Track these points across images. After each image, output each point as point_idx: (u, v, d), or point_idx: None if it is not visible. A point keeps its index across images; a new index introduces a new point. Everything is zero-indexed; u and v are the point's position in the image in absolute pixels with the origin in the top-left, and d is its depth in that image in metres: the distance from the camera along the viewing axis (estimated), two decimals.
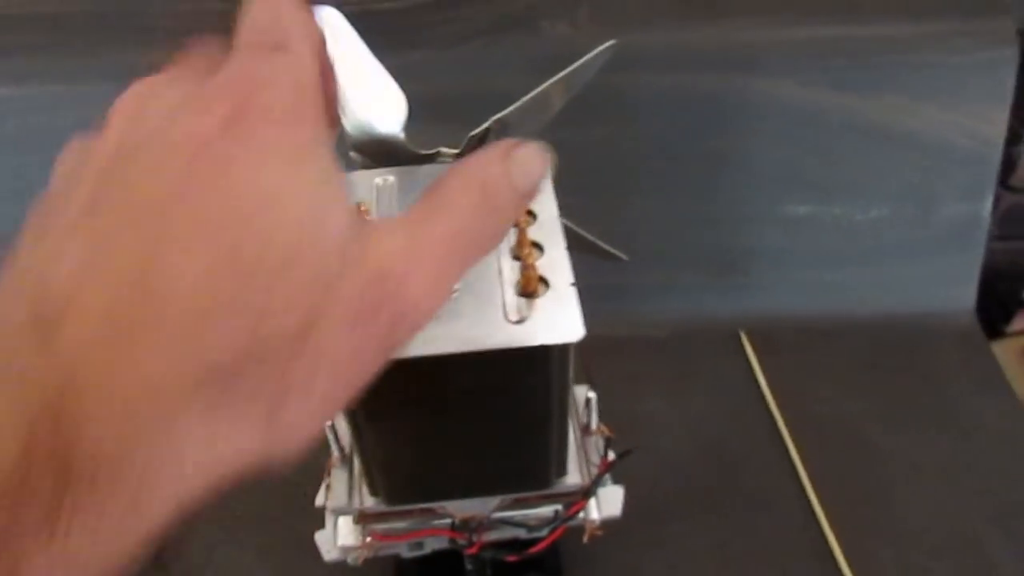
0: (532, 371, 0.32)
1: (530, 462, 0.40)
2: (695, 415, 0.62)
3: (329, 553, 0.44)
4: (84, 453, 0.17)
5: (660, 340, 0.66)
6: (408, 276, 0.21)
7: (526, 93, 0.36)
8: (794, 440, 0.60)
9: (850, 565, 0.53)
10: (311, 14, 0.24)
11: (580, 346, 0.33)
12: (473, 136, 0.33)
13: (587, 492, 0.44)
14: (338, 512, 0.43)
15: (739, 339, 0.67)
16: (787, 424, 0.61)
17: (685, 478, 0.59)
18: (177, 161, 0.19)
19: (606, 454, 0.46)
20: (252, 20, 0.22)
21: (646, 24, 0.63)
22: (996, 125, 0.62)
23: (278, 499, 0.55)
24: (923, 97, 0.62)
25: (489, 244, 0.24)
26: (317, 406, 0.20)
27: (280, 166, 0.20)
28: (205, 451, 0.18)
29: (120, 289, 0.18)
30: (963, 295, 0.67)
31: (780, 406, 0.62)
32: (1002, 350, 0.98)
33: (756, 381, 0.64)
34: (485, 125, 0.34)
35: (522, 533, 0.45)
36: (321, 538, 0.44)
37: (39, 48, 0.63)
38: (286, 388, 0.19)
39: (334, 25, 0.30)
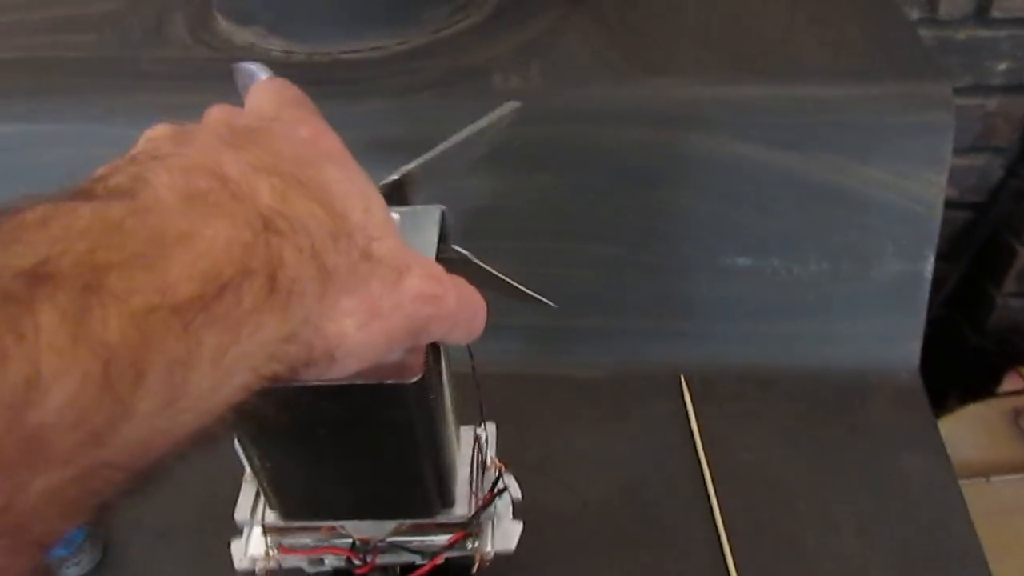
0: (390, 406, 0.35)
1: (409, 492, 0.43)
2: (622, 456, 0.64)
3: (240, 562, 0.48)
4: (285, 275, 0.23)
5: (596, 381, 0.68)
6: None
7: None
8: (716, 486, 0.62)
9: None
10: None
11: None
12: (384, 184, 0.38)
13: (467, 524, 0.46)
14: (241, 523, 0.47)
15: (678, 384, 0.68)
16: (711, 469, 0.63)
17: (602, 517, 0.60)
18: (288, 143, 0.27)
19: (493, 488, 0.48)
20: (285, 91, 0.32)
21: (591, 80, 0.66)
22: (934, 187, 0.63)
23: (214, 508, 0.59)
24: (860, 157, 0.63)
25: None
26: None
27: (354, 171, 0.28)
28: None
29: (285, 179, 0.24)
30: (906, 353, 0.68)
31: (708, 452, 0.64)
32: (991, 411, 0.96)
33: (689, 426, 0.66)
34: (393, 177, 0.39)
35: (418, 559, 0.48)
36: (235, 547, 0.48)
37: (41, 89, 0.70)
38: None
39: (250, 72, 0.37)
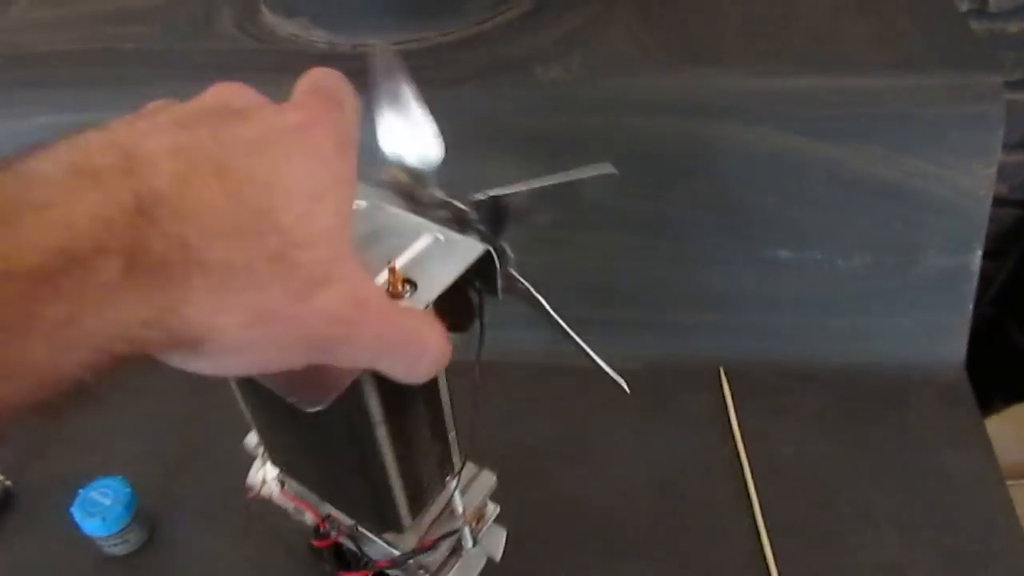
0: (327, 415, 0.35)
1: (356, 498, 0.43)
2: (659, 448, 0.64)
3: (253, 476, 0.50)
4: (147, 259, 0.22)
5: (635, 373, 0.68)
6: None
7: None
8: (756, 480, 0.61)
9: None
10: (352, 88, 0.31)
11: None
12: (473, 201, 0.38)
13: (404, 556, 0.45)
14: (248, 448, 0.49)
15: (717, 377, 0.68)
16: (751, 464, 0.62)
17: (640, 510, 0.60)
18: (257, 127, 0.26)
19: (444, 536, 0.45)
20: (319, 81, 0.30)
21: (634, 71, 0.66)
22: (981, 179, 0.62)
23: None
24: (907, 149, 0.62)
25: None
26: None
27: (323, 171, 0.27)
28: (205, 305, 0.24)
29: (201, 165, 0.24)
30: (952, 349, 0.67)
31: (748, 446, 0.63)
32: None
33: (727, 419, 0.65)
34: (479, 196, 0.38)
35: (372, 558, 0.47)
36: (256, 463, 0.50)
37: (94, 80, 0.72)
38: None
39: (390, 61, 0.37)
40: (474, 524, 0.46)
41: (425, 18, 0.71)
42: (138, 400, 0.70)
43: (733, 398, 0.66)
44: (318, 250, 0.25)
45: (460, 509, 0.44)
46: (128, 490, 0.58)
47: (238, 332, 0.24)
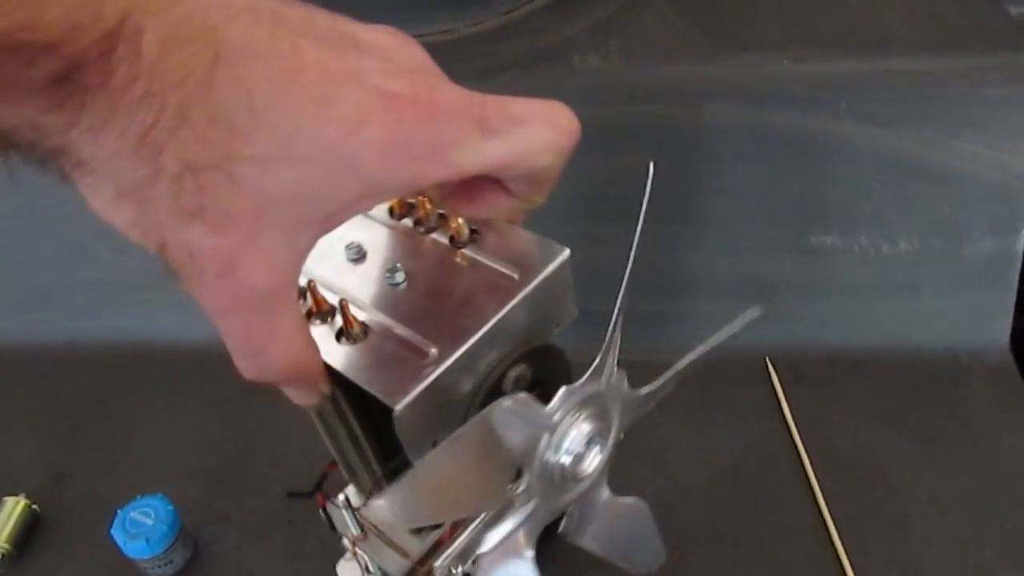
0: None
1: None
2: (717, 442, 0.63)
3: None
4: (87, 78, 0.21)
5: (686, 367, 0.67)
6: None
7: None
8: (815, 470, 0.60)
9: None
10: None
11: None
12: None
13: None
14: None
15: (765, 368, 0.67)
16: (809, 454, 0.61)
17: (704, 505, 0.59)
18: (347, 62, 0.24)
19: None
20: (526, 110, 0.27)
21: (672, 58, 0.64)
22: None
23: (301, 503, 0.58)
24: (952, 130, 0.62)
25: None
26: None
27: (349, 153, 0.24)
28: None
29: (230, 27, 0.22)
30: (996, 330, 0.67)
31: (803, 436, 0.62)
32: None
33: (780, 410, 0.64)
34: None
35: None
36: None
37: None
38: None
39: None
40: None
41: (452, 9, 0.69)
42: (168, 414, 0.66)
43: (784, 389, 0.65)
44: (244, 200, 0.23)
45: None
46: (171, 508, 0.55)
47: (109, 190, 0.23)
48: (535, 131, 0.26)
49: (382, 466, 0.37)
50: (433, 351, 0.29)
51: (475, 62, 0.65)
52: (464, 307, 0.31)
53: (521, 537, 0.35)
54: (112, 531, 0.54)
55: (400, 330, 0.31)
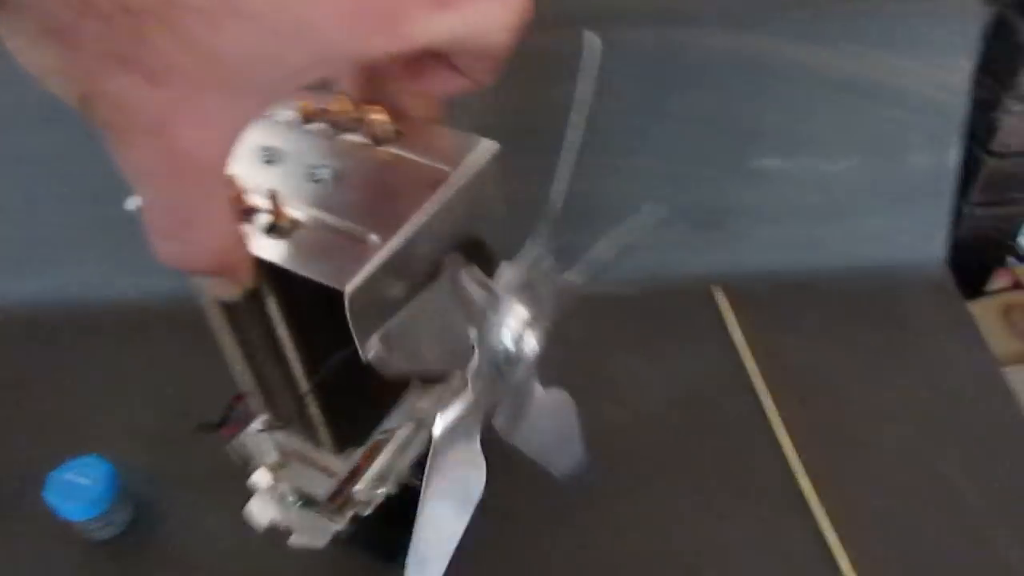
0: None
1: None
2: (669, 369, 0.63)
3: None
4: None
5: (632, 297, 0.66)
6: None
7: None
8: (769, 391, 0.61)
9: (825, 509, 0.54)
10: None
11: None
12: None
13: None
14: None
15: (712, 295, 0.67)
16: (762, 375, 0.61)
17: (661, 431, 0.59)
18: None
19: None
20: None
21: None
22: (961, 74, 0.63)
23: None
24: (887, 48, 0.62)
25: None
26: None
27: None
28: None
29: None
30: (934, 246, 0.68)
31: (755, 358, 0.63)
32: (983, 309, 0.99)
33: (729, 335, 0.64)
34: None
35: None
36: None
37: None
38: None
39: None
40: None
41: None
42: (99, 375, 0.63)
43: (734, 315, 0.66)
44: (184, 54, 0.21)
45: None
46: (108, 467, 0.52)
47: (33, 28, 0.21)
48: (487, 7, 0.26)
49: (308, 378, 0.35)
50: (373, 238, 0.28)
51: None
52: (398, 199, 0.30)
53: (469, 425, 0.35)
54: (45, 494, 0.51)
55: (333, 221, 0.29)
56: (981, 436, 0.58)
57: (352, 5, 0.22)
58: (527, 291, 0.35)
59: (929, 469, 0.56)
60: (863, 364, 0.62)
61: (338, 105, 0.33)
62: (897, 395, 0.60)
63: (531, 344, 0.35)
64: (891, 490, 0.55)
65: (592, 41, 0.35)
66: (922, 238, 0.68)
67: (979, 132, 1.20)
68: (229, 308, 0.34)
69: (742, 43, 0.62)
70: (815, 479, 0.55)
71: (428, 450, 0.35)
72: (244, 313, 0.33)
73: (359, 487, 0.40)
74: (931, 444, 0.57)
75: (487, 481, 0.53)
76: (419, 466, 0.44)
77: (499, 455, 0.51)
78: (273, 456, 0.40)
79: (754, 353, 0.63)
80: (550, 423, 0.42)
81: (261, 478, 0.43)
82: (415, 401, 0.41)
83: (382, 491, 0.41)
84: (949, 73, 0.62)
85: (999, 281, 1.06)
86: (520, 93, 0.61)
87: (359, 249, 0.28)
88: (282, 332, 0.33)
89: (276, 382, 0.37)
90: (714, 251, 0.68)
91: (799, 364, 0.62)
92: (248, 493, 0.55)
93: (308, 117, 0.33)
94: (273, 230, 0.29)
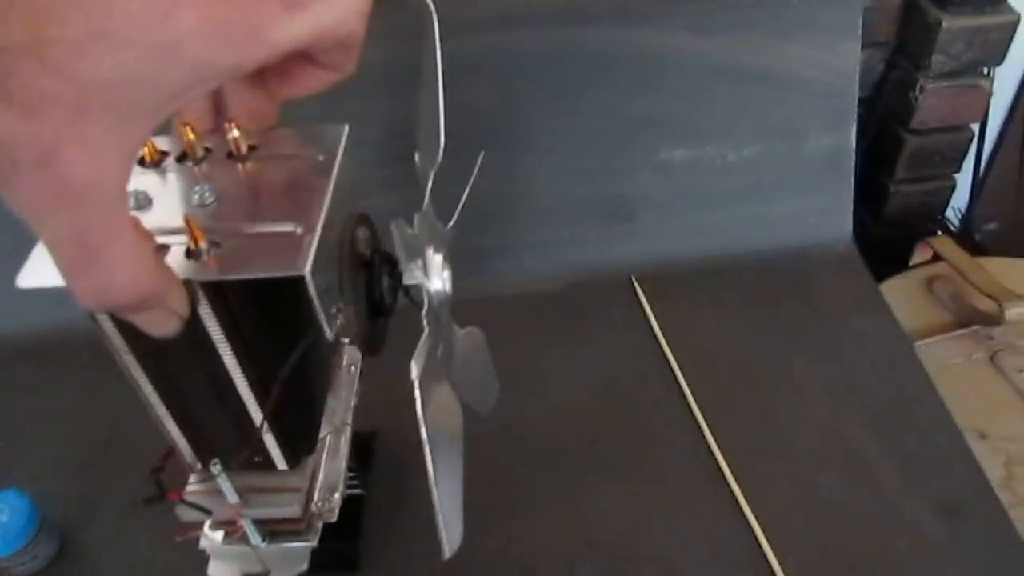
0: None
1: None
2: (589, 360, 0.64)
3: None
4: None
5: (553, 293, 0.68)
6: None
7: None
8: (685, 376, 0.62)
9: (740, 484, 0.55)
10: None
11: None
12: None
13: None
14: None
15: (631, 285, 0.69)
16: (678, 360, 0.63)
17: (584, 421, 0.60)
18: None
19: None
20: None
21: None
22: (850, 57, 0.65)
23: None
24: (778, 35, 0.64)
25: None
26: None
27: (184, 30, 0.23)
28: None
29: None
30: (839, 224, 0.70)
31: (672, 345, 0.64)
32: (907, 283, 1.02)
33: (648, 323, 0.66)
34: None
35: None
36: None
37: None
38: None
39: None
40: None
41: None
42: (13, 407, 0.62)
43: (649, 303, 0.67)
44: (59, 84, 0.21)
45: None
46: (27, 500, 0.52)
47: None
48: (334, 1, 0.27)
49: (258, 399, 0.35)
50: (295, 229, 0.29)
51: None
52: (293, 191, 0.31)
53: (437, 367, 0.36)
54: None
55: (247, 229, 0.30)
56: (890, 406, 0.60)
57: (216, 20, 0.23)
58: (434, 238, 0.37)
59: (841, 440, 0.58)
60: (776, 344, 0.64)
61: (176, 141, 0.33)
62: (808, 371, 0.62)
63: (450, 284, 0.37)
64: (803, 462, 0.57)
65: (428, 9, 0.37)
66: (828, 217, 0.70)
67: (898, 111, 1.24)
68: (148, 353, 0.33)
69: (639, 38, 0.64)
70: (728, 454, 0.57)
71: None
72: (171, 353, 0.33)
73: (325, 494, 0.41)
74: (843, 416, 0.59)
75: (403, 508, 0.54)
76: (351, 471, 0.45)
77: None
78: (234, 497, 0.39)
79: (671, 340, 0.65)
80: (472, 359, 0.44)
81: (212, 538, 0.43)
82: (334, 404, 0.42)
83: (338, 495, 0.42)
84: (839, 56, 0.64)
85: (920, 255, 1.10)
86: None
87: (289, 241, 0.29)
88: (227, 357, 0.33)
89: (214, 420, 0.37)
90: (629, 243, 0.69)
91: (715, 348, 0.64)
92: (173, 517, 0.56)
93: (152, 160, 0.33)
94: (191, 255, 0.29)
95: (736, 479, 0.56)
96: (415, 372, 0.33)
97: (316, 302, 0.29)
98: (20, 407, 0.62)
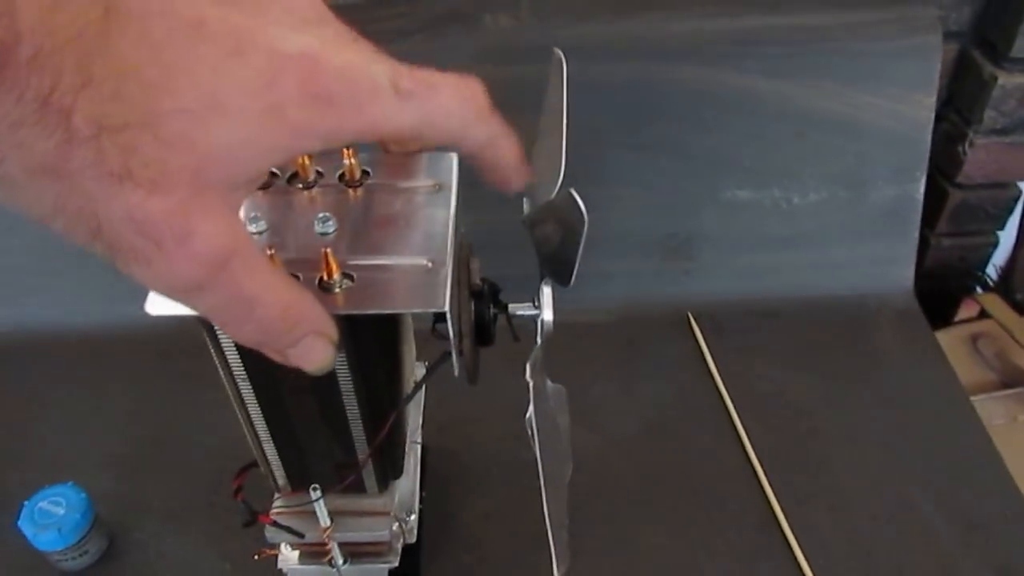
0: None
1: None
2: (641, 396, 0.63)
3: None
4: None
5: (608, 325, 0.67)
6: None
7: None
8: (740, 417, 0.62)
9: (794, 531, 0.54)
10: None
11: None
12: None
13: None
14: None
15: (686, 322, 0.68)
16: (733, 402, 0.63)
17: (635, 456, 0.60)
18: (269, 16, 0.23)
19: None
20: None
21: (584, 16, 0.65)
22: (923, 109, 0.65)
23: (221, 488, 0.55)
24: (853, 83, 0.64)
25: None
26: None
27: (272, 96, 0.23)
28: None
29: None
30: (902, 275, 0.70)
31: (726, 385, 0.64)
32: (951, 338, 1.01)
33: (703, 362, 0.66)
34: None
35: None
36: None
37: None
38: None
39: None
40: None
41: None
42: (70, 403, 0.63)
43: (705, 340, 0.67)
44: (179, 157, 0.21)
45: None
46: (83, 496, 0.52)
47: (18, 171, 0.21)
48: (446, 100, 0.26)
49: (367, 429, 0.35)
50: (425, 262, 0.29)
51: (389, 23, 0.64)
52: (414, 220, 0.31)
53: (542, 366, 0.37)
54: (20, 523, 0.50)
55: (375, 260, 0.30)
56: (949, 463, 0.59)
57: (318, 90, 0.23)
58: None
59: (897, 494, 0.57)
60: (832, 391, 0.63)
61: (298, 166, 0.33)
62: (866, 421, 0.61)
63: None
64: (860, 515, 0.56)
65: (558, 56, 0.37)
66: (889, 268, 0.69)
67: (944, 164, 1.24)
68: (262, 382, 0.33)
69: (713, 77, 0.64)
70: (782, 500, 0.56)
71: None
72: (287, 382, 0.33)
73: (403, 515, 0.41)
74: (899, 470, 0.58)
75: (452, 521, 0.54)
76: None
77: (475, 482, 0.52)
78: (327, 521, 0.39)
79: (726, 380, 0.64)
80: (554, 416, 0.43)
81: (289, 558, 0.43)
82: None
83: (415, 516, 0.43)
84: (911, 107, 0.64)
85: (966, 311, 1.09)
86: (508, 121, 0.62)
87: (423, 275, 0.29)
88: (344, 388, 0.33)
89: (316, 446, 0.37)
90: (687, 280, 0.69)
91: (770, 391, 0.64)
92: (223, 520, 0.56)
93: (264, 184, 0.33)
94: (323, 287, 0.29)
95: (788, 525, 0.55)
96: (529, 374, 0.32)
97: (453, 337, 0.29)
98: (75, 402, 0.63)
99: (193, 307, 0.24)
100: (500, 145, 0.29)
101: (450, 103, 0.26)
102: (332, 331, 0.27)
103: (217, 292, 0.23)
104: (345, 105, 0.23)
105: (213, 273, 0.22)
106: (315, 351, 0.27)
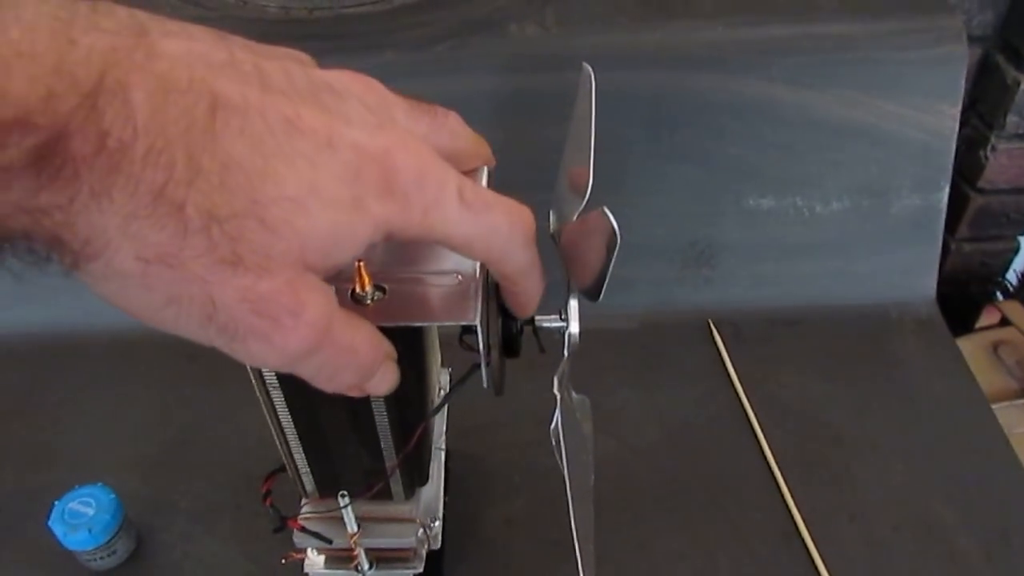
0: None
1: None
2: (663, 403, 0.64)
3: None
4: (68, 149, 0.20)
5: (629, 332, 0.68)
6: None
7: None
8: (761, 425, 0.62)
9: (815, 542, 0.55)
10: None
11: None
12: None
13: None
14: None
15: (707, 330, 0.68)
16: (754, 410, 0.63)
17: (656, 463, 0.60)
18: (329, 106, 0.25)
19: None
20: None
21: (609, 25, 0.65)
22: (948, 119, 0.65)
23: (250, 487, 0.56)
24: (877, 92, 0.64)
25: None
26: None
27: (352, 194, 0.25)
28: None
29: (206, 82, 0.22)
30: (924, 285, 0.70)
31: (747, 393, 0.64)
32: (972, 345, 1.00)
33: (724, 369, 0.66)
34: None
35: None
36: None
37: None
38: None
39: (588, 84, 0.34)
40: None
41: None
42: (99, 404, 0.64)
43: (726, 348, 0.67)
44: (283, 241, 0.23)
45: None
46: (112, 497, 0.53)
47: (127, 263, 0.22)
48: (499, 219, 0.27)
49: (394, 436, 0.36)
50: (455, 274, 0.30)
51: (412, 32, 0.65)
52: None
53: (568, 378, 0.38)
54: (50, 523, 0.51)
55: (405, 272, 0.31)
56: (971, 473, 0.59)
57: (396, 186, 0.24)
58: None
59: (918, 503, 0.57)
60: (854, 401, 0.63)
61: None
62: (888, 431, 0.61)
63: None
64: (882, 524, 0.56)
65: (587, 71, 0.37)
66: (912, 278, 0.69)
67: (966, 169, 1.23)
68: (294, 392, 0.34)
69: (737, 86, 0.64)
70: (804, 510, 0.57)
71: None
72: (319, 393, 0.34)
73: (427, 521, 0.41)
74: (920, 479, 0.58)
75: (475, 526, 0.55)
76: None
77: (497, 487, 0.52)
78: (355, 528, 0.40)
79: (747, 388, 0.64)
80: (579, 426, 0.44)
81: (315, 562, 0.44)
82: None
83: (439, 522, 0.43)
84: (935, 117, 0.64)
85: (987, 318, 1.08)
86: (531, 129, 0.63)
87: (453, 287, 0.30)
88: (376, 399, 0.34)
89: (345, 454, 0.38)
90: (709, 288, 0.69)
91: (791, 399, 0.64)
92: (249, 522, 0.56)
93: None
94: (356, 299, 0.30)
95: (810, 536, 0.55)
96: (557, 387, 0.33)
97: (482, 349, 0.30)
98: (105, 403, 0.64)
99: (300, 371, 0.26)
100: (533, 276, 0.30)
101: (503, 223, 0.27)
102: (392, 350, 0.28)
103: (325, 352, 0.25)
104: (415, 205, 0.25)
105: (322, 337, 0.24)
106: (388, 375, 0.28)
